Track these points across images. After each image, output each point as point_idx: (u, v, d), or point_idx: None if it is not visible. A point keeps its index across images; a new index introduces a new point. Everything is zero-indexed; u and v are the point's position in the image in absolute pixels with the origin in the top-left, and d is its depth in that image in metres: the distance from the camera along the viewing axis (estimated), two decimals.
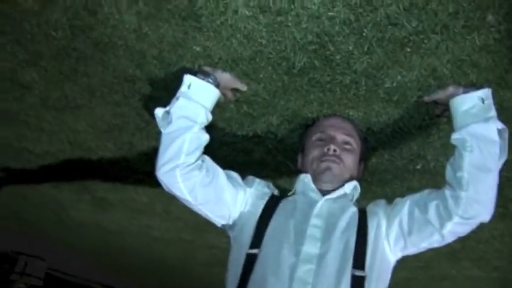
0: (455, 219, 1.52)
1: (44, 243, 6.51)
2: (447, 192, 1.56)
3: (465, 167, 1.53)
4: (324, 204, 1.69)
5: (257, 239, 1.63)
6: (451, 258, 3.62)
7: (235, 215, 1.76)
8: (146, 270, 7.20)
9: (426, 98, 1.72)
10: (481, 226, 2.86)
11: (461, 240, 3.14)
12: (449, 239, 1.60)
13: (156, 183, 1.70)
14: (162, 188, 1.71)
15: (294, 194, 1.82)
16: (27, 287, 7.02)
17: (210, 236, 3.93)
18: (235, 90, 1.83)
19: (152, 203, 3.54)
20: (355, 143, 1.84)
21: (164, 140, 1.65)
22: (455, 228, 1.55)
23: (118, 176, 3.14)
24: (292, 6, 1.47)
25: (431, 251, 3.40)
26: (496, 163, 1.54)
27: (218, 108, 1.98)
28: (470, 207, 1.51)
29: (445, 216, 1.54)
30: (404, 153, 2.14)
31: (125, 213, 3.96)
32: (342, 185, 1.77)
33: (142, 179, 3.02)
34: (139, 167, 2.83)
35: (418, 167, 2.24)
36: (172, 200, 2.52)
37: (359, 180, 1.90)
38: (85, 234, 5.18)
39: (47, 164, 3.12)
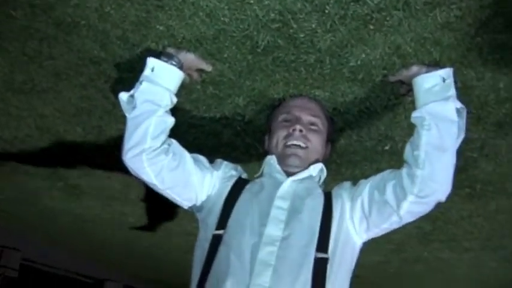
0: (411, 198, 1.53)
1: (18, 234, 6.43)
2: (404, 170, 1.58)
3: (422, 145, 1.54)
4: (289, 185, 1.69)
5: (223, 220, 1.63)
6: (422, 241, 3.67)
7: (202, 198, 1.75)
8: (123, 259, 7.16)
9: (391, 78, 1.74)
10: (449, 207, 2.92)
11: (432, 222, 3.21)
12: (407, 219, 1.62)
13: (127, 169, 1.69)
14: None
15: (261, 176, 1.82)
16: (2, 278, 6.94)
17: (184, 222, 3.92)
18: (200, 71, 1.82)
19: (125, 189, 3.51)
20: (321, 124, 1.83)
21: (129, 124, 1.64)
22: (411, 208, 1.56)
23: (89, 162, 3.12)
24: None
25: (402, 233, 3.46)
26: (453, 142, 1.55)
27: (184, 90, 1.97)
28: (425, 186, 1.52)
29: (401, 195, 1.55)
30: (372, 133, 2.15)
31: (98, 201, 3.93)
32: (308, 167, 1.77)
33: (113, 165, 2.99)
34: (110, 152, 2.80)
35: (387, 147, 2.25)
36: (144, 186, 2.51)
37: (327, 161, 1.90)
38: (60, 223, 5.12)
39: (16, 150, 3.08)
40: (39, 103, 2.42)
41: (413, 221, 3.16)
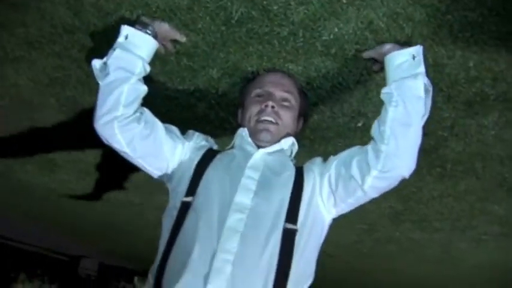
0: (374, 172, 1.58)
1: None
2: (370, 146, 1.62)
3: (388, 121, 1.58)
4: (260, 156, 1.71)
5: (192, 188, 1.65)
6: (394, 221, 3.72)
7: (173, 167, 1.77)
8: (98, 236, 7.15)
9: (365, 54, 1.76)
10: (421, 187, 2.96)
11: (403, 202, 3.25)
12: (372, 194, 1.66)
13: (101, 142, 1.69)
14: (109, 148, 1.71)
15: (232, 147, 1.83)
16: None
17: (158, 197, 3.92)
18: (174, 41, 1.82)
19: (99, 163, 3.50)
20: (293, 100, 1.85)
21: (102, 91, 1.64)
22: (375, 183, 1.60)
23: (63, 135, 3.09)
24: None
25: (375, 213, 3.50)
26: (418, 119, 1.59)
27: (159, 61, 1.97)
28: (389, 161, 1.56)
29: (365, 170, 1.59)
30: (345, 109, 2.17)
31: (73, 175, 3.91)
32: (279, 140, 1.79)
33: (87, 137, 2.97)
34: (84, 124, 2.79)
35: (359, 124, 2.27)
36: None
37: (300, 136, 1.91)
38: (34, 198, 5.09)
39: None
40: (11, 72, 2.39)
41: (386, 201, 3.21)
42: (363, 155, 1.62)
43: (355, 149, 1.71)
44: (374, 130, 1.65)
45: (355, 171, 1.61)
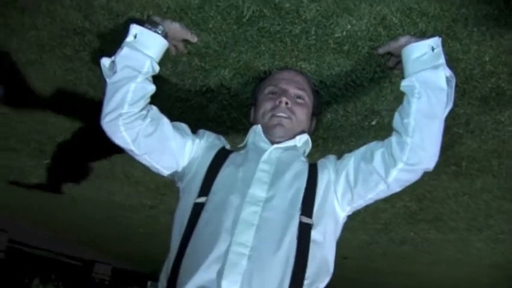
0: (400, 165, 1.55)
1: (5, 215, 6.39)
2: (393, 139, 1.59)
3: (412, 113, 1.55)
4: (273, 151, 1.70)
5: (205, 188, 1.63)
6: (409, 220, 3.68)
7: (184, 164, 1.76)
8: (111, 241, 7.16)
9: (380, 50, 1.74)
10: (436, 185, 2.92)
11: (418, 201, 3.21)
12: (394, 188, 1.63)
13: (114, 146, 1.68)
14: (121, 151, 1.70)
15: (245, 145, 1.82)
16: None
17: (171, 200, 3.91)
18: (186, 42, 1.81)
19: (112, 167, 3.50)
20: (307, 97, 1.84)
21: (109, 89, 1.64)
22: (399, 176, 1.58)
23: (76, 139, 3.09)
24: None
25: (390, 212, 3.46)
26: (442, 111, 1.57)
27: (170, 63, 1.96)
28: (414, 154, 1.54)
29: (390, 163, 1.57)
30: (359, 108, 2.14)
31: (85, 179, 3.91)
32: (294, 137, 1.77)
33: (99, 141, 2.98)
34: (96, 128, 2.79)
35: (373, 123, 2.25)
36: (131, 163, 2.49)
37: (313, 136, 1.89)
38: (47, 202, 5.10)
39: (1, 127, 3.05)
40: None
41: (400, 200, 3.18)
42: (387, 148, 1.60)
43: (373, 143, 1.69)
44: (396, 123, 1.62)
45: (378, 164, 1.60)
